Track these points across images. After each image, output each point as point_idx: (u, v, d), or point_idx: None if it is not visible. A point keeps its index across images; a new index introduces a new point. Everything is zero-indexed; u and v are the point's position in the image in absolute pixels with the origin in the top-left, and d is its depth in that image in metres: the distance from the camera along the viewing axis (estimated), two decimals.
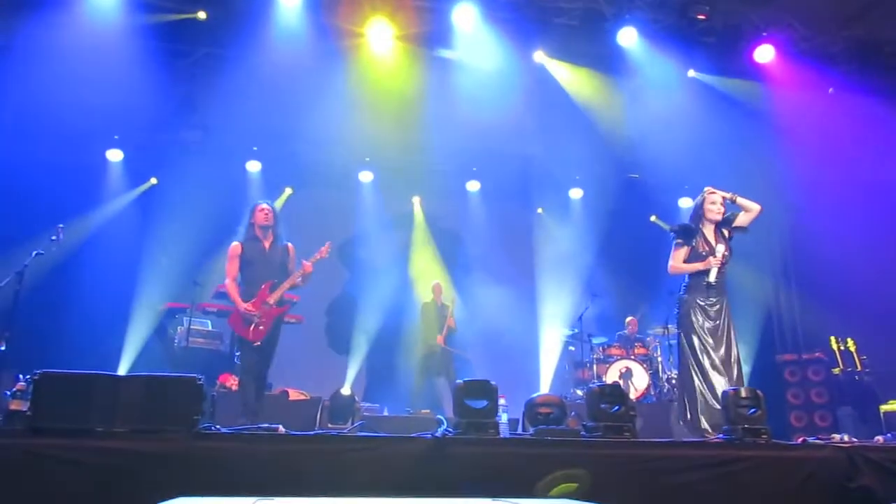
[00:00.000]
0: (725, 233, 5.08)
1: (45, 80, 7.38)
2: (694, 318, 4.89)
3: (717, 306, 4.93)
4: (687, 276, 5.03)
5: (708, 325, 4.89)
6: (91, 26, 7.27)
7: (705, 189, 5.13)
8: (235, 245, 5.34)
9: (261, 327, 5.17)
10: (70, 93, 7.49)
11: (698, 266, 4.94)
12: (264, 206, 5.42)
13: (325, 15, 7.67)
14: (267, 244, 5.36)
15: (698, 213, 5.10)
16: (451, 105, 8.32)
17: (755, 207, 5.03)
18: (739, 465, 3.63)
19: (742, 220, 5.06)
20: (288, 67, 7.76)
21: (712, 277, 4.89)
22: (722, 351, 4.85)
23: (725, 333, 4.91)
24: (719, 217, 5.04)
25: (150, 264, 8.61)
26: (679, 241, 5.06)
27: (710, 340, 4.85)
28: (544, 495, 3.00)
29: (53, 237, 6.14)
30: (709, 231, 5.06)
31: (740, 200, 5.04)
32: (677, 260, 5.04)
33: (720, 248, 4.93)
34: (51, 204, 7.74)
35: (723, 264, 4.94)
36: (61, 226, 6.24)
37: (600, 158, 9.66)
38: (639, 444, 3.86)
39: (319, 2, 7.57)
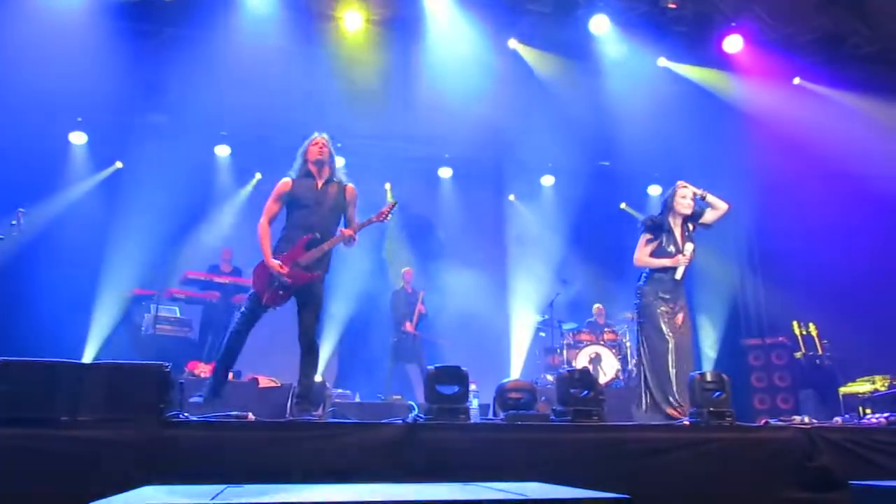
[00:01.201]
0: (690, 227, 5.12)
1: (4, 59, 7.15)
2: (656, 308, 4.97)
3: (677, 297, 5.02)
4: (646, 273, 5.09)
5: (669, 313, 4.97)
6: (54, 4, 7.06)
7: (677, 183, 5.16)
8: (284, 181, 4.56)
9: (280, 292, 4.39)
10: (31, 73, 7.27)
11: (665, 262, 4.99)
12: (319, 138, 4.64)
13: None
14: (320, 182, 4.56)
15: (668, 205, 5.13)
16: (423, 91, 8.29)
17: (723, 206, 5.07)
18: (705, 446, 3.71)
19: (708, 217, 5.10)
20: (258, 50, 7.65)
21: (679, 275, 4.97)
22: (682, 339, 4.95)
23: (684, 322, 5.02)
24: (688, 211, 5.07)
25: (115, 250, 8.44)
26: (647, 235, 5.10)
27: (672, 329, 4.94)
28: None
29: (14, 222, 6.01)
30: (676, 225, 5.09)
31: (710, 198, 5.08)
32: (643, 253, 5.09)
33: (689, 247, 4.99)
34: (11, 188, 7.50)
35: (690, 252, 5.01)
36: (22, 210, 6.09)
37: (572, 146, 9.71)
38: (607, 427, 3.92)
39: None
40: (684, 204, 5.06)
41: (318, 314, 4.51)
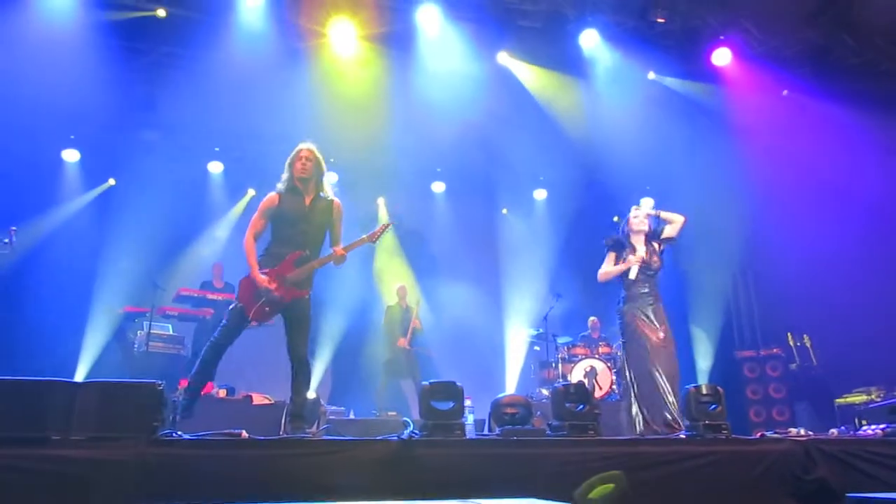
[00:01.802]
0: (656, 245, 5.40)
1: None
2: (637, 326, 5.18)
3: (657, 312, 5.22)
4: (623, 289, 5.36)
5: (651, 330, 5.15)
6: (46, 22, 7.08)
7: (631, 208, 5.57)
8: (271, 196, 4.46)
9: (267, 308, 4.29)
10: (24, 90, 7.27)
11: (620, 268, 5.30)
12: (305, 150, 4.49)
13: (287, 14, 7.60)
14: (308, 199, 4.47)
15: (625, 228, 5.49)
16: (415, 105, 8.32)
17: (679, 219, 5.38)
18: (701, 460, 3.70)
19: (668, 231, 5.40)
20: (250, 67, 7.66)
21: (632, 275, 5.25)
22: (667, 354, 5.10)
23: (666, 337, 5.16)
24: (645, 228, 5.41)
25: (107, 267, 8.41)
26: (612, 253, 5.45)
27: (655, 345, 5.10)
28: (583, 500, 3.04)
29: (6, 240, 5.97)
30: (639, 243, 5.40)
31: (664, 214, 5.46)
32: (604, 267, 5.43)
33: (640, 250, 5.30)
34: (3, 205, 7.49)
35: (653, 269, 5.30)
36: (14, 228, 6.06)
37: (564, 159, 9.76)
38: (603, 441, 3.91)
39: (282, 1, 7.49)
40: (637, 223, 5.42)
41: (307, 330, 4.43)
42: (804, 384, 8.27)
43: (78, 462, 2.92)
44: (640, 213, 5.47)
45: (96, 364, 7.89)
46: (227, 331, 4.33)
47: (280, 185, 4.53)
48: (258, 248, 4.44)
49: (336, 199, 4.60)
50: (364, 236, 4.57)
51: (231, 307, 4.42)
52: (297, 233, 4.41)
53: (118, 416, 3.14)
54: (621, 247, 5.43)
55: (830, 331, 8.13)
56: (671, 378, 4.98)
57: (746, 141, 8.89)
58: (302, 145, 4.56)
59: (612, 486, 3.10)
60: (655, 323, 5.16)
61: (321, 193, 4.54)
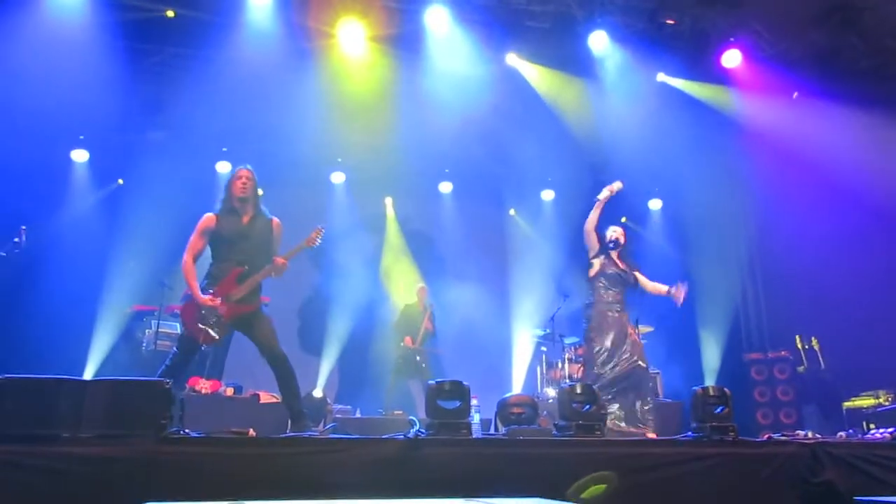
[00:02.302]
0: (629, 262, 5.80)
1: (7, 77, 7.21)
2: (599, 327, 5.54)
3: (618, 316, 5.56)
4: (591, 295, 5.74)
5: (610, 333, 5.49)
6: (55, 23, 7.12)
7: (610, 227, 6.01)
8: (208, 216, 4.51)
9: (216, 328, 4.33)
10: (33, 91, 7.31)
11: (596, 212, 5.82)
12: (243, 171, 4.62)
13: (295, 15, 7.61)
14: (246, 218, 4.54)
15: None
16: (423, 106, 8.32)
17: (656, 291, 5.78)
18: (708, 462, 3.69)
19: (645, 284, 5.78)
20: (258, 67, 7.69)
21: (602, 195, 5.79)
22: (623, 357, 5.42)
23: (626, 342, 5.46)
24: (619, 241, 5.83)
25: (116, 266, 8.45)
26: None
27: (613, 347, 5.42)
28: (576, 498, 3.07)
29: (16, 239, 6.01)
30: (614, 254, 5.82)
31: (655, 285, 5.82)
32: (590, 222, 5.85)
33: (611, 187, 5.84)
34: (13, 205, 7.54)
35: (627, 278, 5.66)
36: (24, 227, 6.10)
37: (572, 160, 9.74)
38: (610, 442, 3.91)
39: (290, 1, 7.51)
40: (612, 236, 5.87)
41: (270, 329, 4.45)
42: (812, 387, 8.23)
43: (87, 460, 2.94)
44: (619, 230, 5.91)
45: (105, 362, 7.94)
46: (178, 361, 4.41)
47: (217, 206, 4.62)
48: (199, 273, 4.49)
49: (275, 219, 4.67)
50: (302, 242, 4.61)
51: (179, 335, 4.54)
52: (236, 251, 4.46)
53: (127, 414, 3.17)
54: (605, 246, 5.84)
55: (839, 333, 8.09)
56: (639, 378, 5.34)
57: (756, 143, 8.85)
58: (239, 168, 4.69)
59: (603, 486, 3.12)
60: (619, 322, 5.51)
61: (259, 213, 4.62)
